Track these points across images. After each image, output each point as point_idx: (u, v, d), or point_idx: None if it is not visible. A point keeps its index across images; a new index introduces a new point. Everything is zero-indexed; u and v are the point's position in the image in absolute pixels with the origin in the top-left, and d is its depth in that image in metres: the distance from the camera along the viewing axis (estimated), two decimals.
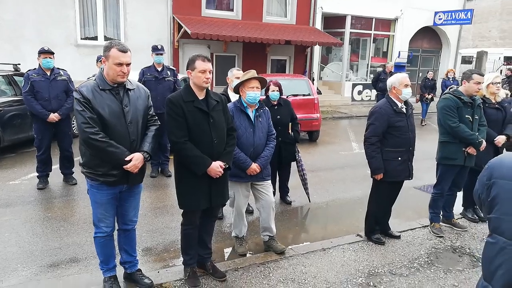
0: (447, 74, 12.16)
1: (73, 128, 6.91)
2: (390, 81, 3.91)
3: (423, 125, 11.94)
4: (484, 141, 4.17)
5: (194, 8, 12.57)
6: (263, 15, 13.89)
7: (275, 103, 4.76)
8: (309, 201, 5.26)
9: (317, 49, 15.23)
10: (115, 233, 3.06)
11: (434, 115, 13.17)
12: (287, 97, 6.25)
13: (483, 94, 4.37)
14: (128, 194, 2.96)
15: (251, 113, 3.62)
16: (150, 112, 2.99)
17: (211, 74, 2.99)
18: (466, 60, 22.27)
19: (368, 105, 15.83)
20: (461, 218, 4.79)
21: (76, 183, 5.67)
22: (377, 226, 4.20)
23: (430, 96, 11.99)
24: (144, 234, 4.22)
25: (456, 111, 4.09)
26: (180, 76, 6.86)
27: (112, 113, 2.70)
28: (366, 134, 3.95)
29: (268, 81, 4.61)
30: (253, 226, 4.49)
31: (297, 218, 5.05)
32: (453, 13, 16.98)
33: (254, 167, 3.56)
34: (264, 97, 4.77)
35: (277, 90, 4.69)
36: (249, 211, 4.79)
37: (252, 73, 3.59)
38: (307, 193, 5.24)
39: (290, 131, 4.88)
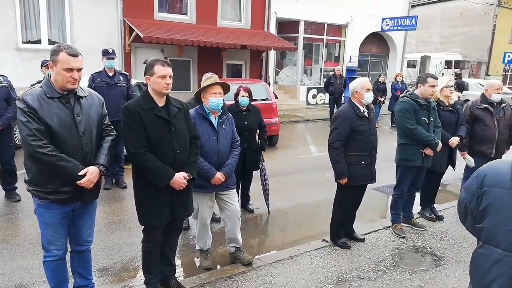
0: (396, 77, 12.71)
1: (16, 140, 6.34)
2: (352, 85, 3.93)
3: (376, 127, 12.33)
4: (440, 142, 4.31)
5: (145, 12, 12.16)
6: (218, 20, 13.75)
7: (244, 108, 4.64)
8: (268, 213, 5.11)
9: (272, 54, 15.32)
10: (68, 255, 2.77)
11: (385, 117, 13.77)
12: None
13: (437, 97, 4.53)
14: (82, 212, 2.69)
15: (214, 120, 3.47)
16: (105, 121, 2.75)
17: (171, 79, 2.81)
18: (411, 64, 23.53)
19: (322, 108, 16.20)
20: (419, 217, 4.93)
21: (20, 200, 5.16)
22: (342, 230, 4.20)
23: (382, 99, 12.44)
24: (99, 252, 3.90)
25: (413, 114, 4.20)
26: (133, 82, 6.53)
27: (62, 124, 2.44)
28: (330, 139, 3.93)
29: (238, 87, 4.50)
30: (217, 236, 4.32)
31: (262, 226, 4.95)
32: (399, 20, 17.84)
33: (219, 176, 3.41)
34: (234, 102, 4.65)
35: (247, 96, 4.59)
36: (216, 220, 4.62)
37: (214, 78, 3.44)
38: (267, 204, 5.09)
39: (257, 138, 4.77)
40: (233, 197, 3.61)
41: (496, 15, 23.53)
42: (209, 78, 3.43)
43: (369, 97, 3.89)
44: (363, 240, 4.26)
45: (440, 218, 4.90)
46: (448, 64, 23.20)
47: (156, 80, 2.74)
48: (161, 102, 2.81)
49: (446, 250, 4.07)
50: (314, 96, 16.67)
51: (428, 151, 4.25)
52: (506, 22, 24.18)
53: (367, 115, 3.94)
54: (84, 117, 2.54)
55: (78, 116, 2.52)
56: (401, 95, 4.53)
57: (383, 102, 12.48)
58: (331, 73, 17.64)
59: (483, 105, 4.78)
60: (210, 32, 12.69)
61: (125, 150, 5.85)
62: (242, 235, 3.86)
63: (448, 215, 5.04)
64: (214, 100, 3.38)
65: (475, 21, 24.63)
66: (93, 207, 2.78)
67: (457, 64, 23.83)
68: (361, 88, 3.86)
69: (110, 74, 5.75)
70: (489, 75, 24.04)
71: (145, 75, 2.81)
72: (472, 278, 1.76)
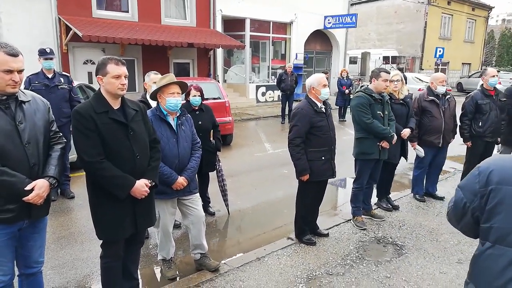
0: (341, 73, 13.13)
1: None
2: (309, 81, 3.92)
3: None
4: (395, 134, 4.46)
5: (82, 9, 11.42)
6: (162, 17, 13.29)
7: (196, 108, 4.44)
8: (228, 214, 4.98)
9: (219, 52, 15.14)
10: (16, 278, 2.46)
11: (332, 112, 14.15)
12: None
13: (389, 91, 4.67)
14: (31, 231, 2.39)
15: (172, 121, 3.28)
16: (53, 128, 2.47)
17: (127, 79, 2.59)
18: (352, 61, 24.50)
19: (272, 105, 16.32)
20: (377, 208, 5.07)
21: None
22: (306, 227, 4.20)
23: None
24: (49, 271, 3.54)
25: (369, 108, 4.29)
26: (75, 83, 6.06)
27: (2, 133, 2.14)
28: (290, 136, 3.89)
29: (189, 86, 4.30)
30: (179, 244, 4.12)
31: (224, 228, 4.81)
32: (340, 17, 18.45)
33: (181, 180, 3.23)
34: (185, 102, 4.44)
35: (198, 95, 4.39)
36: (176, 225, 4.40)
37: (171, 77, 3.24)
38: (227, 205, 4.97)
39: (211, 138, 4.60)
40: (196, 202, 3.45)
41: (427, 13, 25.18)
42: (165, 77, 3.22)
43: (325, 93, 3.90)
44: (327, 235, 4.28)
45: (396, 208, 5.07)
46: (386, 59, 24.44)
47: (110, 81, 2.50)
48: (116, 104, 2.58)
49: (406, 239, 4.21)
50: (263, 94, 16.74)
51: (385, 144, 4.37)
52: (435, 19, 26.01)
53: (324, 110, 3.95)
54: (28, 124, 2.25)
55: (21, 123, 2.22)
56: (356, 90, 4.62)
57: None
58: (279, 70, 17.94)
59: (430, 97, 5.03)
60: (155, 31, 12.23)
61: (70, 157, 5.48)
62: (206, 240, 3.70)
63: (402, 204, 5.24)
64: (173, 100, 3.19)
65: (408, 19, 26.19)
66: (43, 224, 2.48)
67: (394, 59, 25.23)
68: (317, 84, 3.87)
69: (49, 76, 5.27)
70: (423, 69, 25.74)
71: (96, 75, 2.56)
72: (478, 282, 1.61)
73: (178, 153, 3.25)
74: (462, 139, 5.45)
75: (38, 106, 2.38)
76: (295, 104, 13.39)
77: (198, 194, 3.50)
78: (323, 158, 3.93)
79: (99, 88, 2.60)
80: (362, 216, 4.67)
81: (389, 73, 4.43)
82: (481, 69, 26.32)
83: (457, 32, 28.16)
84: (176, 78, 3.32)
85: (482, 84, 5.31)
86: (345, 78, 12.83)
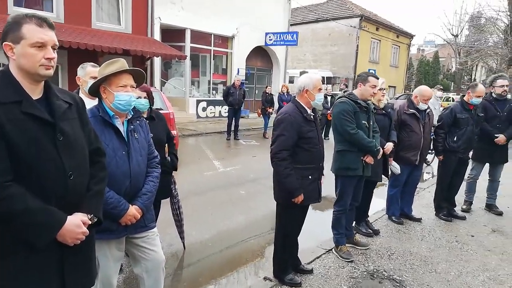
0: (282, 89, 12.92)
1: None
2: (303, 82, 3.19)
3: (267, 138, 12.16)
4: (381, 148, 3.88)
5: None
6: (92, 20, 11.86)
7: (145, 115, 3.37)
8: (184, 248, 3.95)
9: (157, 63, 13.99)
10: None
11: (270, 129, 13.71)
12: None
13: (379, 98, 4.14)
14: None
15: (121, 126, 2.30)
16: None
17: (56, 54, 1.61)
18: (290, 80, 24.67)
19: (213, 121, 15.44)
20: (356, 233, 4.43)
21: None
22: (288, 263, 3.38)
23: (271, 110, 12.43)
24: None
25: (353, 116, 3.67)
26: None
27: None
28: (273, 148, 3.09)
29: (145, 75, 3.28)
30: None
31: (180, 269, 3.77)
32: (281, 35, 18.36)
33: (133, 212, 2.24)
34: None
35: (145, 97, 3.36)
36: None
37: (121, 63, 2.27)
38: (182, 238, 3.92)
39: (166, 155, 3.60)
40: (154, 241, 2.45)
41: (358, 37, 26.38)
42: (113, 63, 2.24)
43: (320, 98, 3.20)
44: (311, 271, 3.50)
45: (377, 233, 4.48)
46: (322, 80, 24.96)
47: (27, 51, 1.51)
48: (36, 92, 1.58)
49: (402, 272, 3.58)
50: (204, 109, 15.80)
51: (369, 159, 3.76)
52: (366, 43, 27.38)
53: (313, 119, 3.23)
54: None
55: None
56: (338, 96, 4.01)
57: (272, 113, 12.48)
58: (220, 85, 17.25)
59: (411, 110, 4.58)
60: (84, 34, 10.79)
61: None
62: None
63: (380, 227, 4.67)
64: (124, 96, 2.22)
65: (341, 42, 27.22)
66: None
67: (329, 79, 25.90)
68: (313, 87, 3.15)
69: None
70: None
71: (3, 41, 1.55)
72: None
73: (130, 171, 2.27)
74: (434, 152, 5.10)
75: None
76: (241, 121, 12.83)
77: (155, 230, 2.51)
78: (310, 177, 3.18)
79: (7, 65, 1.58)
80: (346, 244, 3.98)
81: (378, 78, 3.87)
82: (405, 92, 28.06)
83: (384, 57, 29.91)
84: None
85: (463, 96, 5.01)
86: (285, 93, 12.53)
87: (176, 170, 3.67)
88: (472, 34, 27.60)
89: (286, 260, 3.34)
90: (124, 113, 2.31)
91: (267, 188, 6.54)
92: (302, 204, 3.17)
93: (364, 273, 3.54)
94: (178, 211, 3.84)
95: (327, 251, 3.95)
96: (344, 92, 4.05)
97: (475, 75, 40.22)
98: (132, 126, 2.35)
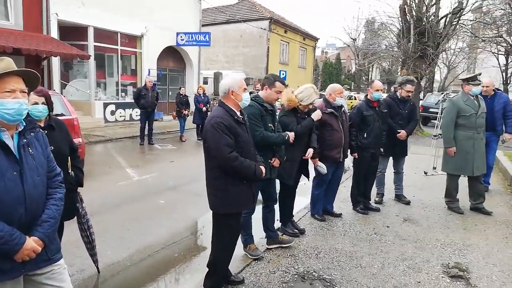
0: (198, 90, 12.56)
1: None
2: (227, 84, 3.00)
3: (183, 141, 11.74)
4: (289, 135, 3.88)
5: None
6: None
7: (42, 124, 2.87)
8: (98, 272, 3.48)
9: (56, 63, 12.63)
10: None
11: (190, 131, 13.30)
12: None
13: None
14: None
15: (10, 140, 1.87)
16: None
17: None
18: (204, 81, 24.35)
19: (123, 125, 14.47)
20: (282, 235, 4.39)
21: None
22: (222, 277, 3.18)
23: (187, 112, 11.98)
24: None
25: (260, 120, 3.63)
26: None
27: None
28: (221, 154, 2.83)
29: (40, 78, 2.76)
30: None
31: None
32: (193, 35, 17.95)
33: (32, 244, 1.84)
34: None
35: (43, 102, 2.86)
36: None
37: (6, 63, 1.84)
38: (95, 261, 3.43)
39: (69, 170, 3.09)
40: (60, 275, 2.05)
41: (269, 39, 27.11)
42: None
43: (246, 98, 3.06)
44: (242, 281, 3.35)
45: (303, 232, 4.50)
46: None
47: None
48: None
49: (330, 270, 3.61)
50: (112, 113, 14.72)
51: (275, 163, 3.77)
52: (276, 45, 28.26)
53: (243, 121, 3.08)
54: None
55: None
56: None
57: (187, 115, 12.07)
58: (130, 87, 16.25)
59: (329, 109, 4.69)
60: None
61: None
62: None
63: (304, 226, 4.71)
64: (12, 104, 1.80)
65: (252, 43, 27.69)
66: None
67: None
68: (238, 88, 3.00)
69: None
70: None
71: None
72: None
73: (24, 195, 1.85)
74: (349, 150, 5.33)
75: None
76: (155, 124, 12.15)
77: (62, 262, 2.10)
78: (245, 181, 3.03)
79: None
80: (270, 246, 3.97)
81: (285, 85, 3.87)
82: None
83: (293, 58, 31.21)
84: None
85: (367, 95, 5.30)
86: (201, 95, 12.24)
87: (82, 186, 3.21)
88: (368, 38, 30.11)
89: (222, 273, 3.15)
90: (14, 125, 1.88)
91: (189, 195, 6.27)
92: (238, 211, 3.08)
93: (295, 276, 3.49)
94: (88, 232, 3.35)
95: (255, 259, 3.82)
96: (250, 93, 3.92)
97: (371, 75, 44.23)
98: (25, 140, 1.92)
